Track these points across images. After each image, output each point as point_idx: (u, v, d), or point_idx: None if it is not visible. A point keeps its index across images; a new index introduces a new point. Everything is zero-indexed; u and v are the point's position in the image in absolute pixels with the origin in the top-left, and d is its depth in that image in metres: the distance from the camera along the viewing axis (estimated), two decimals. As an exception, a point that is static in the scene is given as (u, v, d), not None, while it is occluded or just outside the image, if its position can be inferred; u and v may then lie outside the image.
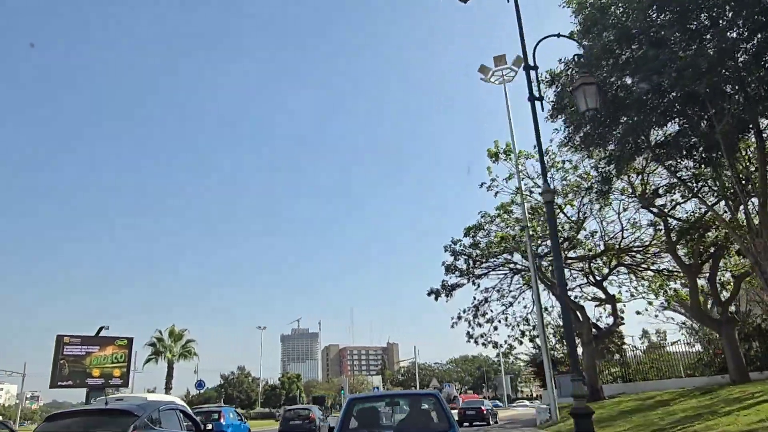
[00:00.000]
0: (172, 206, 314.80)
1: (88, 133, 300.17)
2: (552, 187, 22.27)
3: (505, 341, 29.89)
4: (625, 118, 14.72)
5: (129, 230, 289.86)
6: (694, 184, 17.45)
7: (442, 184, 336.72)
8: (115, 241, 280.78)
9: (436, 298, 28.36)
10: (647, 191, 19.99)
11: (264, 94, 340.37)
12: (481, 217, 26.99)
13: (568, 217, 21.94)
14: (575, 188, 21.38)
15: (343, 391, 79.56)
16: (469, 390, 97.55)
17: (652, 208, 20.77)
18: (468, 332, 29.87)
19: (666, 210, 20.20)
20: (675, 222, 19.96)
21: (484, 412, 31.14)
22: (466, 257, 27.19)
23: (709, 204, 16.77)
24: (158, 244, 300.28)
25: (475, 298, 29.10)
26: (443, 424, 6.55)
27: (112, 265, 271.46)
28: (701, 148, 14.67)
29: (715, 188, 16.40)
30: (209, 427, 10.19)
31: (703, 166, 15.52)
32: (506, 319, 29.38)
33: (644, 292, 26.44)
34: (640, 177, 20.10)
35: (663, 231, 20.56)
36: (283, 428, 25.46)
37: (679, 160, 16.13)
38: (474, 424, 30.13)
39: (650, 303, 28.00)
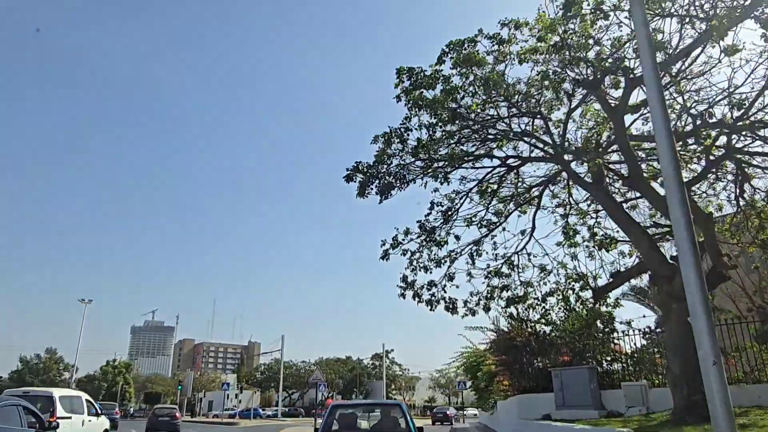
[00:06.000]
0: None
1: None
2: None
3: (465, 303, 15.76)
4: None
5: None
6: None
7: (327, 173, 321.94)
8: None
9: (362, 193, 13.44)
10: None
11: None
12: (473, 37, 12.65)
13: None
14: None
15: (180, 386, 61.91)
16: (338, 395, 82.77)
17: None
18: (404, 277, 15.36)
19: None
20: None
21: (450, 416, 41.27)
22: (430, 113, 12.71)
23: None
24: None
25: (432, 206, 14.66)
26: (406, 429, 8.02)
27: None
28: None
29: None
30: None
31: None
32: (476, 257, 15.34)
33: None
34: None
35: None
36: (151, 423, 26.97)
37: None
38: (444, 423, 39.13)
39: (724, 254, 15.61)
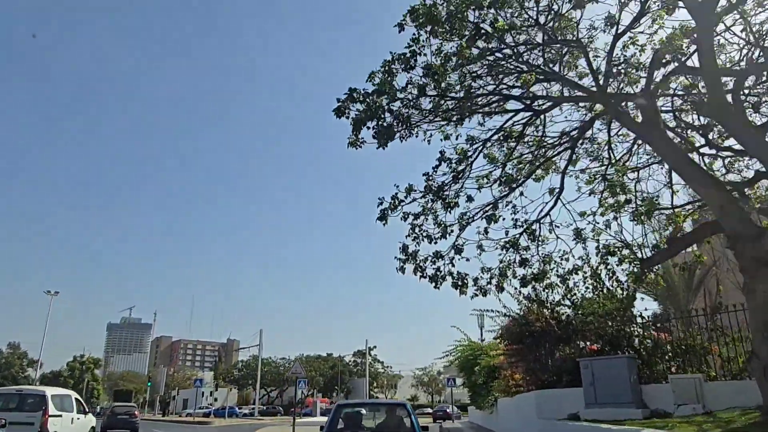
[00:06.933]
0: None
1: None
2: None
3: (475, 280, 13.01)
4: None
5: None
6: None
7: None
8: None
9: (356, 139, 10.51)
10: None
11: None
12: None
13: None
14: None
15: (150, 383, 58.40)
16: (318, 393, 79.43)
17: None
18: (404, 246, 12.55)
19: None
20: None
21: (450, 413, 39.97)
22: (446, 33, 9.98)
23: None
24: None
25: (442, 158, 11.86)
26: (411, 428, 8.03)
27: None
28: None
29: None
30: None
31: None
32: (490, 224, 12.62)
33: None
34: None
35: None
36: (110, 421, 26.02)
37: None
38: (445, 420, 39.12)
39: None
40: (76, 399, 15.77)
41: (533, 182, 13.06)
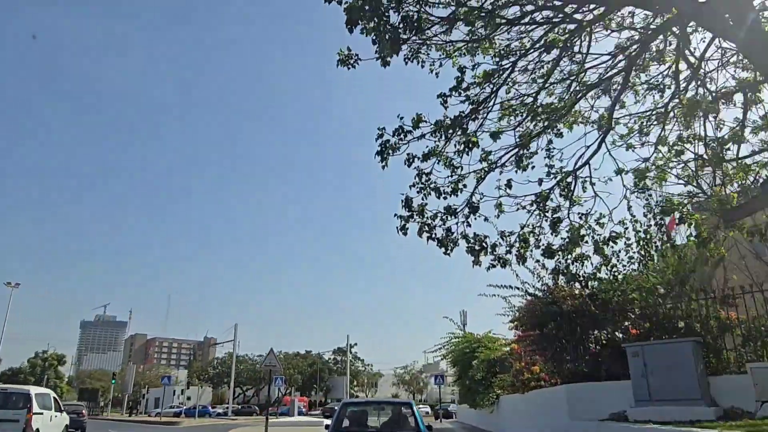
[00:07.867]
0: None
1: None
2: None
3: (493, 246, 10.24)
4: None
5: None
6: None
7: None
8: None
9: (350, 52, 7.72)
10: None
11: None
12: None
13: None
14: None
15: (114, 380, 55.04)
16: (296, 392, 76.02)
17: None
18: (407, 200, 9.66)
19: None
20: None
21: (450, 412, 47.58)
22: None
23: None
24: None
25: (461, 79, 9.08)
26: (415, 428, 8.15)
27: None
28: None
29: None
30: None
31: None
32: (519, 169, 9.86)
33: None
34: None
35: None
36: None
37: None
38: (446, 418, 43.02)
39: None
40: (54, 398, 16.43)
41: (556, 137, 10.44)
